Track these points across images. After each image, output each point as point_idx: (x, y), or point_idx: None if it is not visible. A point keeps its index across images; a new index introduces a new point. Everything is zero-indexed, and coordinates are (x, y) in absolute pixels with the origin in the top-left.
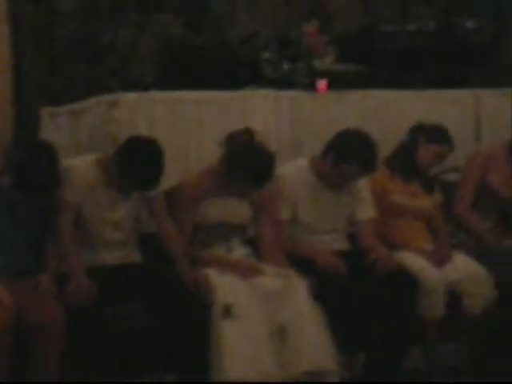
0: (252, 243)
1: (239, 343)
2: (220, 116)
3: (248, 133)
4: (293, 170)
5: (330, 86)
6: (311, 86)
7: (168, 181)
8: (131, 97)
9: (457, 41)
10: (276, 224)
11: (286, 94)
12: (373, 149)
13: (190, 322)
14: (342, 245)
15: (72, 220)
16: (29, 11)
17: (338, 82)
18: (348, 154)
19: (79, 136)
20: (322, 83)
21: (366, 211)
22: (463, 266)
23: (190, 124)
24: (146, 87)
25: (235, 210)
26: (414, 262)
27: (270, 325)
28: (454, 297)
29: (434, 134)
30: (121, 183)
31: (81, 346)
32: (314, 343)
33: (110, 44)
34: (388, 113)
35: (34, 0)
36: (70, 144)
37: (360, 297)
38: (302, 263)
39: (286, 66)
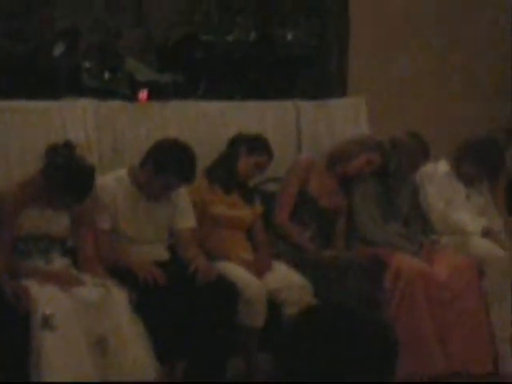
0: (72, 253)
1: (59, 354)
2: (40, 126)
3: (67, 146)
4: (112, 180)
5: (150, 97)
6: (132, 97)
7: None
8: None
9: (277, 52)
10: (95, 234)
11: (107, 104)
12: (191, 159)
13: (10, 335)
14: (163, 255)
15: None
16: None
17: (158, 93)
18: (165, 164)
19: None
20: (143, 93)
21: (186, 221)
22: (283, 276)
23: (10, 133)
24: None
25: (55, 221)
26: (234, 271)
27: (89, 336)
28: (274, 306)
29: (254, 145)
30: None
31: None
32: (134, 354)
33: None
34: (208, 123)
35: None
36: None
37: (180, 307)
38: (123, 274)
39: (106, 76)
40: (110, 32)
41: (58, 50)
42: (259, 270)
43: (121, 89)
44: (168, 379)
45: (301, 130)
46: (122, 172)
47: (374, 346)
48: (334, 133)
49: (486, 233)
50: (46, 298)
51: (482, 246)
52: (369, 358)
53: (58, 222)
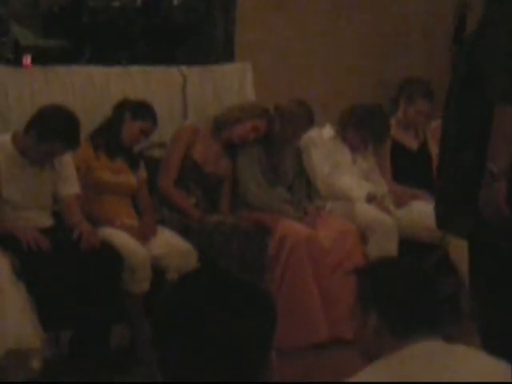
0: None
1: None
2: None
3: None
4: None
5: (35, 61)
6: (17, 62)
7: None
8: None
9: (163, 18)
10: None
11: None
12: (75, 125)
13: None
14: (47, 221)
15: None
16: None
17: (43, 58)
18: (49, 130)
19: None
20: (26, 59)
21: (71, 187)
22: (167, 241)
23: None
24: None
25: None
26: (118, 237)
27: None
28: (158, 272)
29: (138, 110)
30: None
31: None
32: (17, 321)
33: None
34: (93, 89)
35: None
36: None
37: (64, 273)
38: (5, 239)
39: None
40: None
41: None
42: (143, 235)
43: (5, 54)
44: (52, 347)
45: (187, 96)
46: (6, 137)
47: (250, 313)
48: (220, 99)
49: (371, 198)
50: None
51: (367, 212)
52: (244, 324)
53: None
